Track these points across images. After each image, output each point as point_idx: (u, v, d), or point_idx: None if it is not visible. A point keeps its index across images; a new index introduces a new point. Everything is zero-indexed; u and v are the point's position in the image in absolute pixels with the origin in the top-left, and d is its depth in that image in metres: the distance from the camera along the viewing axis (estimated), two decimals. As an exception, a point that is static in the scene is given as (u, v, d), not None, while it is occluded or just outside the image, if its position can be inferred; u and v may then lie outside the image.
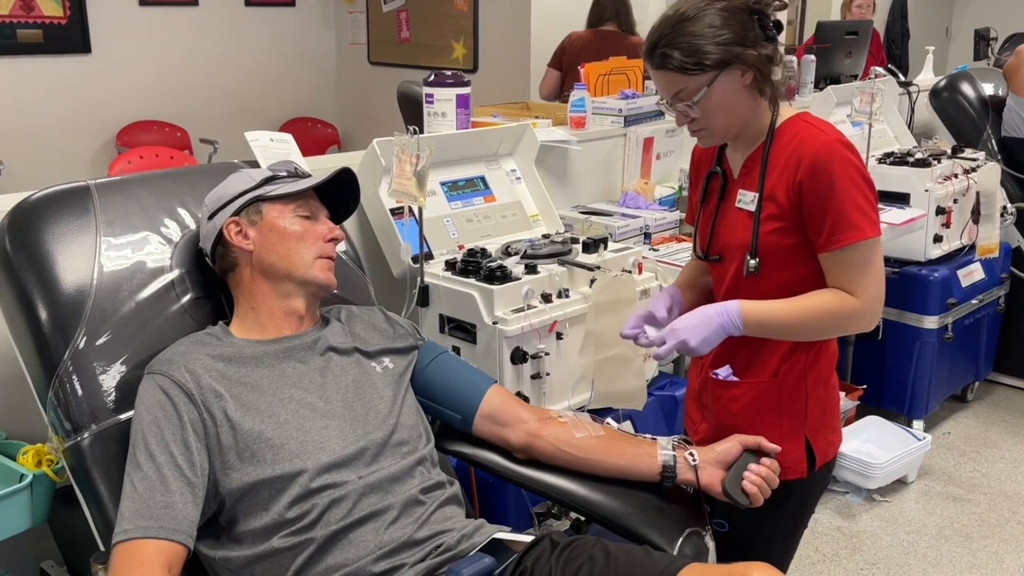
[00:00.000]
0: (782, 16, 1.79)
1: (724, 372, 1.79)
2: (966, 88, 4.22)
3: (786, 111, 1.73)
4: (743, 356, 1.77)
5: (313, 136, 5.87)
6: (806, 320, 1.67)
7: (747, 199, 1.72)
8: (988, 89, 4.25)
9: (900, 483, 3.31)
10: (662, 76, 1.65)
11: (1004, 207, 3.78)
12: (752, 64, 1.61)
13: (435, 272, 2.22)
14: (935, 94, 4.28)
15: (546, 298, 2.14)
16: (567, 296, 2.18)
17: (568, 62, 4.39)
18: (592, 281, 2.19)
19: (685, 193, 2.97)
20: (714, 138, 1.74)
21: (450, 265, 2.22)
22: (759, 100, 1.67)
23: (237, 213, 1.64)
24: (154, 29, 5.30)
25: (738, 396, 1.78)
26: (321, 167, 1.82)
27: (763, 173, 1.68)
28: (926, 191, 3.43)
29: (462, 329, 2.13)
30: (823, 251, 1.64)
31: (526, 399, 2.05)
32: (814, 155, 1.62)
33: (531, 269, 2.17)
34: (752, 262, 1.69)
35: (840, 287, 1.65)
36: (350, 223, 2.07)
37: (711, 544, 1.61)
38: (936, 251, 3.52)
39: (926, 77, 4.72)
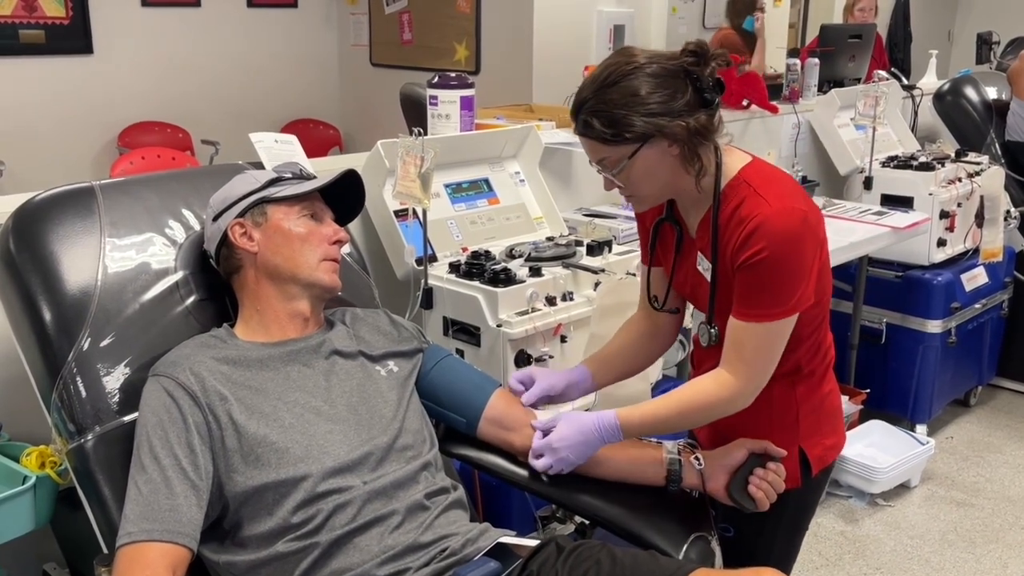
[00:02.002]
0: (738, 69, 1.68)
1: None
2: (970, 92, 4.22)
3: (733, 163, 1.60)
4: None
5: (315, 137, 5.86)
6: (682, 418, 1.65)
7: (704, 266, 1.66)
8: (991, 93, 4.24)
9: (903, 487, 3.30)
10: (584, 142, 1.59)
11: (1008, 211, 3.78)
12: (679, 138, 1.51)
13: (439, 274, 2.21)
14: (939, 98, 4.28)
15: (550, 301, 2.14)
16: (571, 299, 2.18)
17: None
18: (596, 284, 2.18)
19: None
20: (645, 204, 1.68)
21: (454, 267, 2.22)
22: (691, 168, 1.56)
23: (242, 215, 1.63)
24: (156, 30, 5.30)
25: None
26: (325, 169, 1.81)
27: (714, 244, 1.60)
28: (930, 195, 3.44)
29: (466, 332, 2.13)
30: (732, 317, 1.58)
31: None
32: (753, 231, 1.51)
33: (535, 272, 2.17)
34: (713, 331, 1.65)
35: (727, 359, 1.59)
36: (354, 225, 2.07)
37: (717, 549, 1.61)
38: (940, 255, 3.52)
39: (929, 81, 4.72)
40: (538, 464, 1.65)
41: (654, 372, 2.36)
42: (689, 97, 1.51)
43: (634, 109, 1.50)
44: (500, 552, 1.50)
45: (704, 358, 1.76)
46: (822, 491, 1.89)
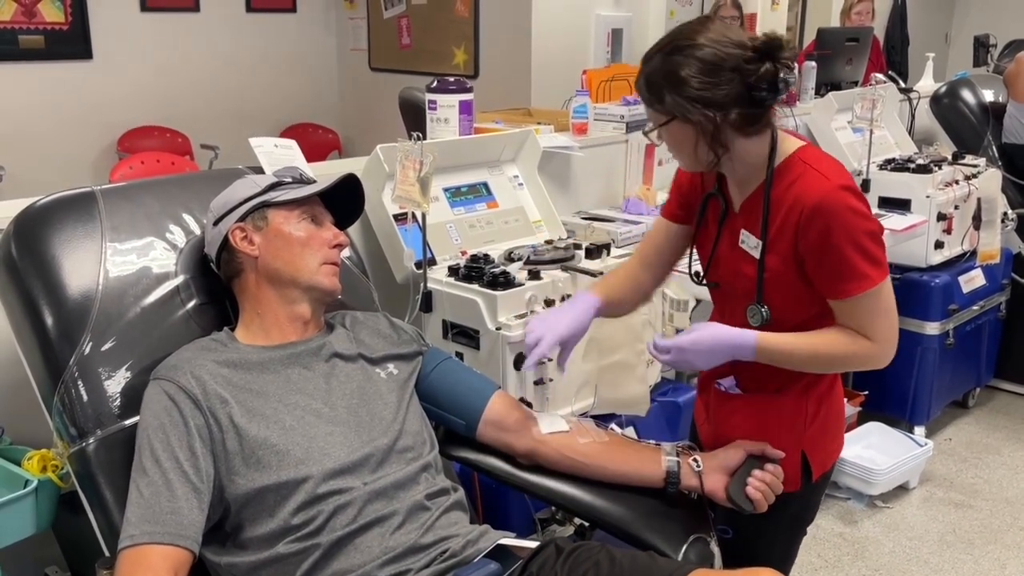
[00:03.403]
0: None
1: (728, 383, 1.78)
2: (966, 94, 4.23)
3: (787, 145, 1.64)
4: (747, 370, 1.73)
5: (314, 142, 5.87)
6: (818, 359, 1.64)
7: (751, 243, 1.65)
8: (988, 95, 4.25)
9: (902, 489, 3.31)
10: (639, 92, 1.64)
11: (1005, 213, 3.78)
12: (704, 128, 1.53)
13: (438, 278, 2.22)
14: (936, 100, 4.29)
15: (549, 304, 2.14)
16: (570, 302, 2.18)
17: None
18: (595, 287, 2.19)
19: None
20: (684, 166, 1.70)
21: (453, 271, 2.23)
22: (721, 159, 1.59)
23: (243, 219, 1.64)
24: (155, 35, 5.31)
25: (738, 408, 1.77)
26: (325, 173, 1.82)
27: (765, 221, 1.61)
28: (927, 197, 3.44)
29: (465, 335, 2.14)
30: (829, 299, 1.60)
31: (529, 405, 2.05)
32: (815, 206, 1.54)
33: (534, 275, 2.18)
34: (764, 310, 1.64)
35: (855, 330, 1.61)
36: (354, 229, 2.08)
37: (716, 550, 1.62)
38: (937, 257, 3.53)
39: (926, 83, 4.73)
40: (659, 357, 1.66)
41: (653, 375, 2.37)
42: (734, 90, 1.51)
43: (671, 87, 1.53)
44: (500, 553, 1.50)
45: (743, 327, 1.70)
46: (822, 494, 1.90)
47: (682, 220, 1.82)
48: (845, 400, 3.24)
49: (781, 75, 1.53)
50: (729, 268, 1.71)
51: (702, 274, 1.79)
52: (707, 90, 1.50)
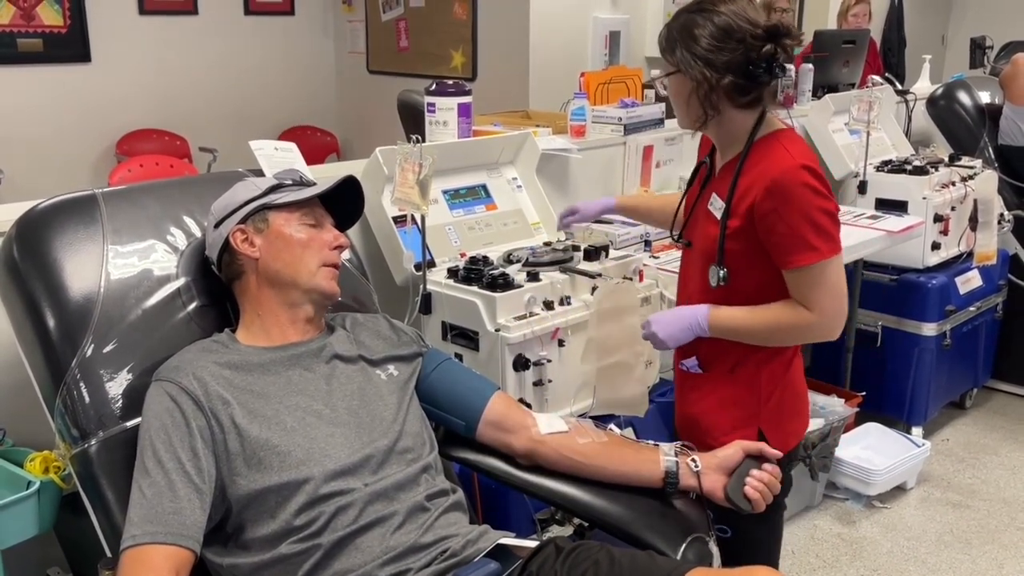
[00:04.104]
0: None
1: (690, 363, 1.93)
2: (963, 96, 4.24)
3: (772, 125, 1.81)
4: (706, 350, 1.89)
5: (312, 144, 5.88)
6: (765, 330, 1.80)
7: (716, 205, 1.82)
8: (985, 97, 4.27)
9: (899, 489, 3.32)
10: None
11: (1001, 214, 3.79)
12: (699, 84, 1.72)
13: (437, 280, 2.23)
14: (932, 102, 4.30)
15: (548, 305, 2.15)
16: (569, 303, 2.19)
17: None
18: (594, 288, 2.20)
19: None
20: (679, 120, 1.88)
21: (452, 273, 2.24)
22: (708, 121, 1.78)
23: (243, 221, 1.65)
24: (154, 38, 5.32)
25: (699, 385, 1.92)
26: (325, 175, 1.83)
27: (734, 185, 1.77)
28: (924, 199, 3.46)
29: (464, 336, 2.14)
30: (781, 268, 1.75)
31: (528, 406, 2.06)
32: (773, 177, 1.70)
33: (533, 276, 2.19)
34: (721, 272, 1.80)
35: (799, 302, 1.76)
36: (353, 232, 2.09)
37: (715, 550, 1.62)
38: (934, 258, 3.54)
39: (923, 85, 4.74)
40: (644, 334, 1.92)
41: (651, 376, 2.38)
42: (735, 60, 1.70)
43: (683, 42, 1.73)
44: (500, 553, 1.51)
45: (703, 291, 1.88)
46: (788, 474, 1.94)
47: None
48: (843, 401, 3.27)
49: (780, 60, 1.71)
50: (700, 228, 1.88)
51: (680, 232, 1.97)
52: (712, 52, 1.70)
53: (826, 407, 3.19)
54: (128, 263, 1.68)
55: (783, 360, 1.89)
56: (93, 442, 1.53)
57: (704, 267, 1.84)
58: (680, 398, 1.99)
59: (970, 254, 3.66)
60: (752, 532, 1.80)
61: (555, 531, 2.19)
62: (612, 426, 1.92)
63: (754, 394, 1.87)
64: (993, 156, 4.11)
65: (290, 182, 1.72)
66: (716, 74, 1.70)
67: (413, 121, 3.01)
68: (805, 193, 1.69)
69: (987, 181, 3.66)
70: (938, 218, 3.50)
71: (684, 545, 1.59)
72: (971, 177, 3.65)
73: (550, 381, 2.14)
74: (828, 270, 1.73)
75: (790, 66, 1.70)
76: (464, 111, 2.63)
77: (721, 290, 1.81)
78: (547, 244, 2.43)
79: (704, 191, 1.90)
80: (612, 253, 2.39)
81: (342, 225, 1.76)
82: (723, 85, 1.71)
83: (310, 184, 1.73)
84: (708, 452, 1.69)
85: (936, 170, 3.61)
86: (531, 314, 2.11)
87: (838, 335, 1.79)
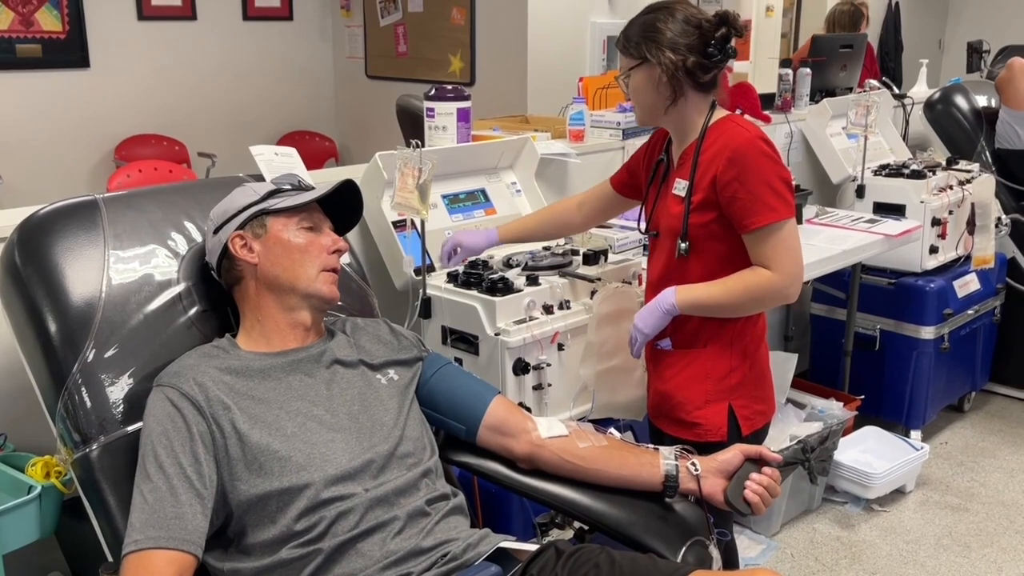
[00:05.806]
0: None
1: (663, 343, 2.08)
2: (960, 100, 4.25)
3: (722, 111, 2.01)
4: (680, 329, 2.04)
5: (310, 149, 5.87)
6: (730, 297, 1.94)
7: (680, 187, 2.00)
8: (981, 101, 4.28)
9: (898, 493, 3.33)
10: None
11: (999, 218, 3.81)
12: (666, 68, 1.91)
13: (437, 284, 2.23)
14: (929, 106, 4.32)
15: (547, 309, 2.16)
16: (568, 307, 2.20)
17: None
18: (593, 292, 2.21)
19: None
20: (639, 118, 2.08)
21: (452, 277, 2.24)
22: (677, 101, 1.95)
23: (242, 227, 1.65)
24: (152, 43, 5.32)
25: (672, 363, 2.07)
26: (324, 180, 1.84)
27: (695, 165, 1.96)
28: (921, 202, 3.47)
29: (464, 340, 2.15)
30: (742, 232, 1.92)
31: (528, 410, 2.06)
32: (735, 148, 1.90)
33: (532, 281, 2.19)
34: (683, 245, 1.98)
35: (760, 264, 1.91)
36: (353, 236, 2.09)
37: (715, 553, 1.63)
38: (932, 262, 3.55)
39: (920, 89, 4.76)
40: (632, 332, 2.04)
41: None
42: (693, 42, 1.91)
43: (646, 35, 1.93)
44: (500, 556, 1.52)
45: (668, 267, 2.04)
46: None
47: (621, 191, 2.26)
48: (841, 404, 3.28)
49: (732, 43, 1.92)
50: (665, 212, 2.04)
51: (646, 225, 2.13)
52: (677, 38, 1.91)
53: (825, 410, 3.20)
54: (129, 268, 1.68)
55: (753, 337, 2.06)
56: (94, 447, 1.53)
57: (671, 248, 2.01)
58: (655, 376, 2.13)
59: (968, 258, 3.67)
60: None
61: (555, 535, 2.19)
62: (611, 430, 1.93)
63: (724, 370, 2.02)
64: (990, 160, 4.12)
65: (288, 187, 1.72)
66: (681, 56, 1.90)
67: (412, 126, 3.02)
68: (765, 161, 1.89)
69: (984, 185, 3.68)
70: (936, 222, 3.51)
71: (684, 548, 1.59)
72: (968, 181, 3.66)
73: (550, 385, 2.14)
74: (785, 229, 1.90)
75: (732, 50, 1.96)
76: (463, 116, 2.63)
77: (682, 261, 1.98)
78: (546, 248, 2.43)
79: (664, 183, 2.08)
80: (611, 257, 2.39)
81: (341, 230, 1.76)
82: (688, 65, 1.91)
83: (309, 188, 1.74)
84: (708, 456, 1.69)
85: (934, 174, 3.63)
86: (531, 318, 2.12)
87: (796, 297, 1.95)
